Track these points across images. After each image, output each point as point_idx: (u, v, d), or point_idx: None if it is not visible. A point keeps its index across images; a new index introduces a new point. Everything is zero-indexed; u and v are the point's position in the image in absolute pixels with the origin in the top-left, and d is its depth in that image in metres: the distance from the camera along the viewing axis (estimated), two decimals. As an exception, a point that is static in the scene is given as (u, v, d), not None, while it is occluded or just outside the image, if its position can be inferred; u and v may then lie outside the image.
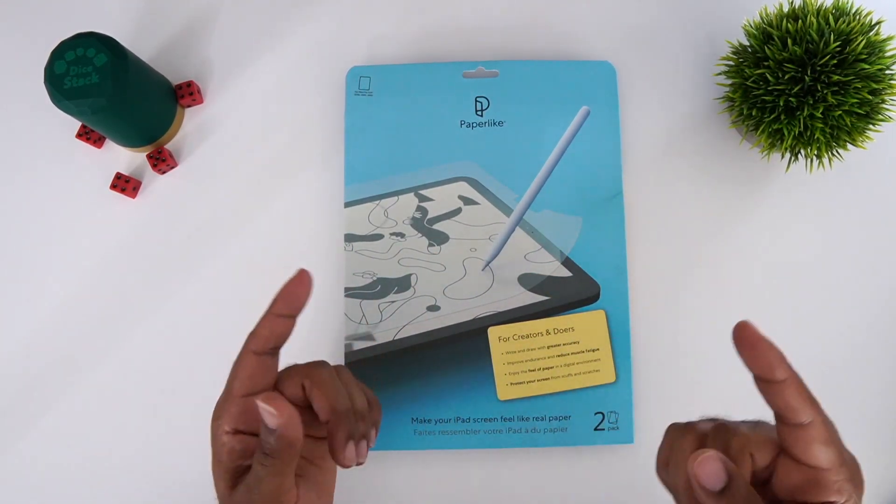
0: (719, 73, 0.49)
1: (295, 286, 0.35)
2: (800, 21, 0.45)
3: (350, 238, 0.51)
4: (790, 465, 0.31)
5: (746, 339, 0.31)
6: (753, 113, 0.46)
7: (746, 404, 0.51)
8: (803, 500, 0.31)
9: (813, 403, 0.31)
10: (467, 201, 0.51)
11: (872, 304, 0.51)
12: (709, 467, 0.29)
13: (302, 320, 0.51)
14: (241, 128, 0.54)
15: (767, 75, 0.45)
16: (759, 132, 0.47)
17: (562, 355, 0.49)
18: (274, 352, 0.36)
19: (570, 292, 0.50)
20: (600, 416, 0.49)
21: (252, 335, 0.35)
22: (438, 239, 0.51)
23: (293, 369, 0.37)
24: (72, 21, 0.55)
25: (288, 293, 0.35)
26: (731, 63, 0.48)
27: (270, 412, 0.32)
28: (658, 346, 0.51)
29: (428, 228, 0.51)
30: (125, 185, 0.53)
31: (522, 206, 0.51)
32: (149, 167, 0.53)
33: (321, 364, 0.37)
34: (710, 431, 0.33)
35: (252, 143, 0.54)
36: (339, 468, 0.39)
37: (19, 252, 0.53)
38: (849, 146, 0.46)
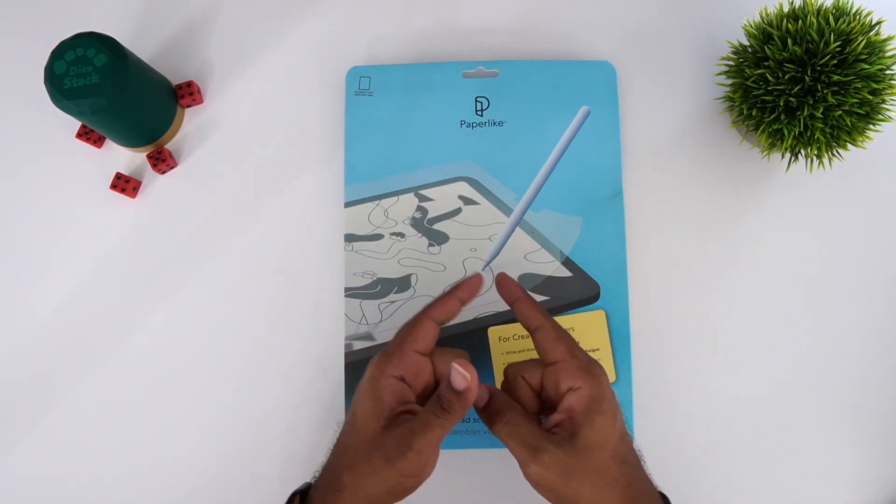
0: (719, 73, 0.49)
1: (473, 282, 0.42)
2: (800, 21, 0.44)
3: (350, 238, 0.51)
4: (545, 371, 0.40)
5: (500, 282, 0.42)
6: (753, 113, 0.46)
7: (745, 403, 0.51)
8: (556, 395, 0.39)
9: (543, 314, 0.41)
10: (467, 201, 0.51)
11: (872, 304, 0.51)
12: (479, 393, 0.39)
13: (302, 320, 0.51)
14: (241, 128, 0.54)
15: (767, 75, 0.45)
16: (759, 132, 0.47)
17: (562, 355, 0.49)
18: (443, 323, 0.41)
19: (570, 292, 0.50)
20: (600, 416, 0.49)
21: (433, 307, 0.41)
22: (438, 239, 0.51)
23: (447, 350, 0.42)
24: (72, 21, 0.55)
25: (468, 285, 0.42)
26: (731, 63, 0.48)
27: (464, 375, 0.37)
28: (658, 346, 0.51)
29: (428, 228, 0.51)
30: (125, 185, 0.53)
31: (522, 206, 0.51)
32: (149, 167, 0.53)
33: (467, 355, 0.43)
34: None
35: (252, 143, 0.54)
36: None
37: (19, 252, 0.53)
38: (849, 146, 0.46)
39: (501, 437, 0.39)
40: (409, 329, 0.41)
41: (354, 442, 0.39)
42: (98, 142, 0.54)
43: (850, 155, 0.51)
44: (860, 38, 0.43)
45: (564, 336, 0.40)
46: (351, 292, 0.50)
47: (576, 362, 0.39)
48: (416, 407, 0.39)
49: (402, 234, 0.51)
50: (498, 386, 0.43)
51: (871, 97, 0.44)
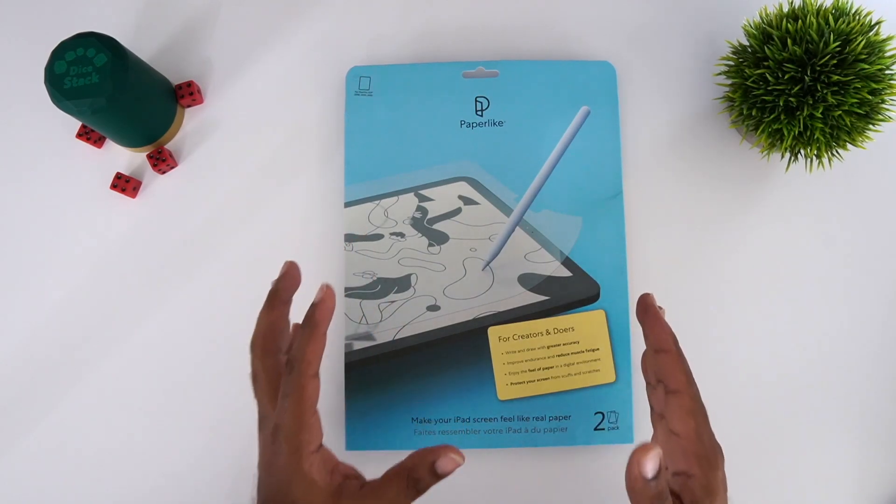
0: (719, 73, 0.49)
1: (328, 305, 0.38)
2: (800, 21, 0.45)
3: (350, 238, 0.51)
4: (665, 436, 0.36)
5: (650, 314, 0.38)
6: (753, 113, 0.46)
7: (746, 402, 0.51)
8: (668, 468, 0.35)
9: (687, 378, 0.36)
10: (467, 201, 0.51)
11: (872, 304, 0.51)
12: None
13: (302, 319, 0.51)
14: (241, 128, 0.54)
15: (767, 75, 0.45)
16: (759, 132, 0.47)
17: (562, 355, 0.49)
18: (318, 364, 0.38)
19: (570, 292, 0.50)
20: (600, 415, 0.49)
21: (310, 360, 0.36)
22: (438, 239, 0.51)
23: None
24: (72, 21, 0.55)
25: (324, 308, 0.38)
26: (731, 63, 0.48)
27: (456, 460, 0.35)
28: (658, 346, 0.51)
29: (428, 228, 0.51)
30: (125, 185, 0.53)
31: (522, 206, 0.51)
32: (149, 167, 0.53)
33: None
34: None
35: (252, 143, 0.54)
36: None
37: (19, 252, 0.53)
38: (849, 146, 0.46)
39: None
40: (300, 395, 0.36)
41: None
42: (98, 142, 0.54)
43: (850, 155, 0.51)
44: (860, 38, 0.43)
45: (698, 410, 0.36)
46: (351, 292, 0.50)
47: (699, 448, 0.35)
48: (351, 471, 0.37)
49: (402, 234, 0.51)
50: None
51: (870, 97, 0.44)
